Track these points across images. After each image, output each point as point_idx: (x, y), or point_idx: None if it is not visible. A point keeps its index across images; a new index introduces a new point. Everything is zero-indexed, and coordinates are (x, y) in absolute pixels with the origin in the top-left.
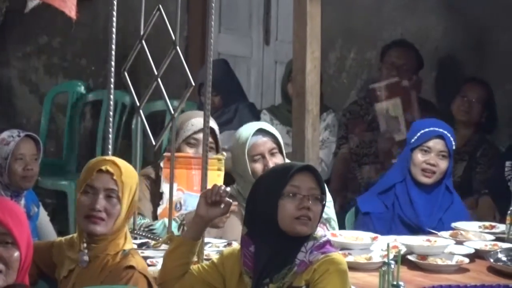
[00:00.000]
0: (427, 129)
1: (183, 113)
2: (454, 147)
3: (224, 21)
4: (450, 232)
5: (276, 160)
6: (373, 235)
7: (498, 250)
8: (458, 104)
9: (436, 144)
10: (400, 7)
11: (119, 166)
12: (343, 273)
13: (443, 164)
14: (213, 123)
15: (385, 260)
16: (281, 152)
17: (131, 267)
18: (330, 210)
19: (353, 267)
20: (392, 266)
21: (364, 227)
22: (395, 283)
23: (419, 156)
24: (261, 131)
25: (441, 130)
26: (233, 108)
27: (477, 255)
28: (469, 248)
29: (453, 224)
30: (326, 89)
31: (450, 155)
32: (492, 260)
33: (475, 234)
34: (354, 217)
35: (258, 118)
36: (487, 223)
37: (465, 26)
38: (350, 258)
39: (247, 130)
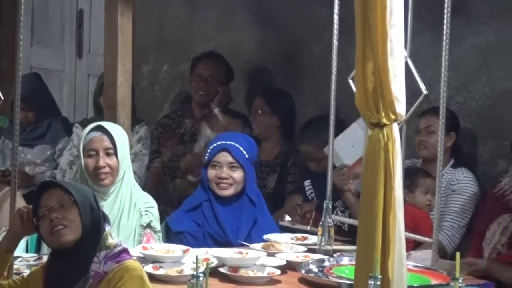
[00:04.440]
0: (214, 144)
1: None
2: (247, 156)
3: (36, 34)
4: (262, 244)
5: (110, 162)
6: (184, 247)
7: (310, 262)
8: (251, 117)
9: (223, 157)
10: (213, 20)
11: None
12: (139, 278)
13: (236, 174)
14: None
15: (195, 273)
16: (115, 154)
17: None
18: (154, 218)
19: (165, 280)
20: (201, 278)
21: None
22: None
23: (212, 172)
24: (100, 129)
25: (226, 142)
26: (45, 123)
27: (289, 267)
28: (280, 259)
29: (265, 236)
30: (138, 101)
31: (242, 165)
32: (303, 272)
33: (287, 246)
34: (164, 234)
35: (71, 132)
36: (299, 235)
37: (278, 38)
38: (162, 271)
39: (90, 125)
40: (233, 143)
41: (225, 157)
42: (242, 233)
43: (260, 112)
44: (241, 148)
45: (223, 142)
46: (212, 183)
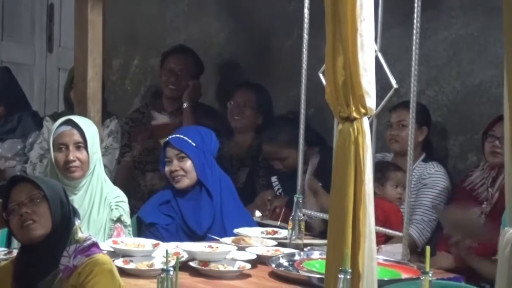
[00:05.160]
0: (166, 140)
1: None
2: (194, 144)
3: (7, 28)
4: (232, 238)
5: (80, 156)
6: (154, 241)
7: (280, 256)
8: (230, 110)
9: (170, 151)
10: (184, 14)
11: None
12: (109, 272)
13: (186, 165)
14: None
15: (165, 267)
16: (85, 147)
17: None
18: (125, 212)
19: (135, 274)
20: (171, 273)
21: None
22: None
23: (167, 168)
24: (70, 123)
25: (170, 137)
26: (16, 117)
27: (259, 261)
28: (251, 254)
29: (236, 230)
30: (109, 95)
31: (188, 154)
32: (274, 266)
33: (258, 240)
34: (136, 227)
35: (41, 126)
36: (269, 229)
37: (248, 32)
38: (132, 265)
39: (60, 119)
40: (176, 135)
41: (171, 151)
42: (204, 224)
43: (244, 105)
44: (186, 138)
45: (169, 137)
46: (169, 178)
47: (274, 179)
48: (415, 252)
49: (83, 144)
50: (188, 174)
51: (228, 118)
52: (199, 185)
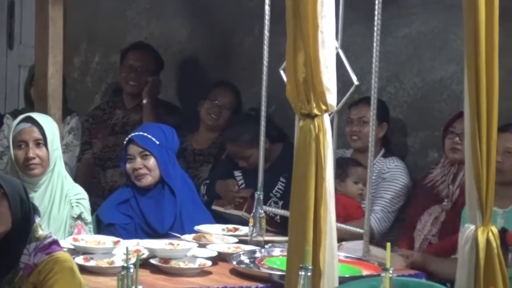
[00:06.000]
0: (126, 139)
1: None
2: (158, 143)
3: None
4: (193, 235)
5: (39, 153)
6: (115, 239)
7: (241, 253)
8: (207, 108)
9: (132, 149)
10: (145, 11)
11: None
12: (69, 270)
13: (149, 163)
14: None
15: (125, 264)
16: (45, 145)
17: None
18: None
19: (95, 271)
20: (132, 270)
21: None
22: (134, 287)
23: (128, 166)
24: (30, 120)
25: (134, 134)
26: None
27: (220, 258)
28: (212, 251)
29: (197, 227)
30: (70, 93)
31: (153, 152)
32: (234, 263)
33: (218, 237)
34: (95, 226)
35: (1, 124)
36: (230, 226)
37: (210, 29)
38: (92, 263)
39: (20, 116)
40: (140, 133)
41: (134, 149)
42: (167, 222)
43: (225, 106)
44: (149, 136)
45: (132, 134)
46: (131, 176)
47: (238, 173)
48: (372, 242)
49: (43, 141)
50: (151, 172)
51: (201, 115)
52: (161, 183)
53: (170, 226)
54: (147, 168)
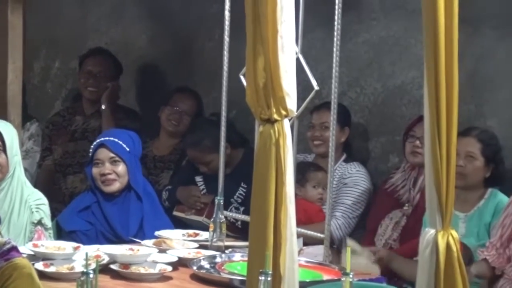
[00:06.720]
0: (94, 142)
1: None
2: (128, 149)
3: None
4: (153, 240)
5: None
6: (75, 244)
7: (201, 258)
8: (167, 114)
9: (102, 153)
10: (105, 16)
11: None
12: (28, 276)
13: (118, 168)
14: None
15: (85, 270)
16: (4, 150)
17: None
18: (45, 215)
19: (55, 277)
20: (91, 275)
21: None
22: None
23: (95, 170)
24: None
25: (104, 138)
26: None
27: (180, 263)
28: (172, 256)
29: (157, 233)
30: (30, 99)
31: (123, 158)
32: (195, 268)
33: (179, 242)
34: (56, 232)
35: None
36: (190, 231)
37: (170, 34)
38: (52, 268)
39: None
40: (111, 138)
41: (104, 153)
42: (132, 228)
43: (186, 113)
44: (120, 142)
45: (102, 139)
46: (97, 181)
47: (199, 178)
48: (331, 247)
49: (1, 147)
50: (120, 179)
51: (162, 121)
52: (127, 189)
53: (135, 232)
54: (117, 174)
